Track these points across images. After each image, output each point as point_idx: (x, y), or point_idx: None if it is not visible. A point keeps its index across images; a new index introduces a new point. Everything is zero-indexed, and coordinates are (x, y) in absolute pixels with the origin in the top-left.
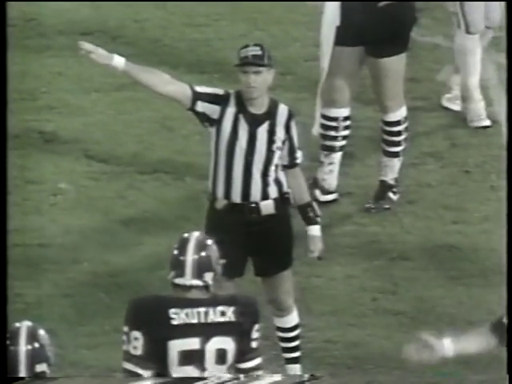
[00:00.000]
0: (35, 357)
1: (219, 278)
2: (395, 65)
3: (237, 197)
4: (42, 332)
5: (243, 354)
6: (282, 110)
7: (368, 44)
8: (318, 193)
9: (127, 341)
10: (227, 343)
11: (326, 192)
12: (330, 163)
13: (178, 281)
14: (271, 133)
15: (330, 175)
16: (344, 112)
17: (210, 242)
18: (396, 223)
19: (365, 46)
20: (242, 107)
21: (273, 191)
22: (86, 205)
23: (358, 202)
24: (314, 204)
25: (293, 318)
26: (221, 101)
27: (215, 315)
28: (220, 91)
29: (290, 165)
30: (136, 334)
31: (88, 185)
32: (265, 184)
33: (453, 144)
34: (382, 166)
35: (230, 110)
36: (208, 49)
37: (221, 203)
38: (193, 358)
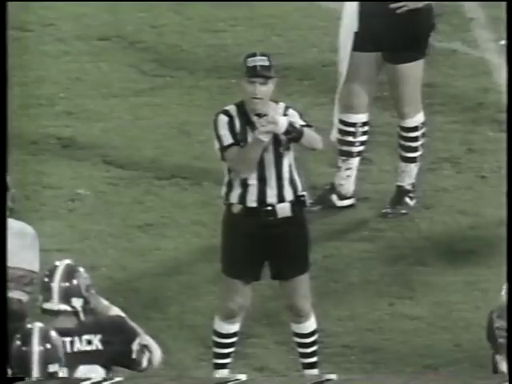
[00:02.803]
0: (48, 357)
1: (92, 306)
2: (413, 71)
3: (252, 201)
4: (53, 333)
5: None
6: (280, 111)
7: (386, 50)
8: (334, 198)
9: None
10: (95, 370)
11: (343, 197)
12: (348, 168)
13: (46, 305)
14: (275, 136)
15: (348, 180)
16: (362, 118)
17: (81, 269)
18: (413, 228)
19: (382, 51)
20: (245, 118)
21: (288, 194)
22: (103, 210)
23: (374, 207)
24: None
25: (310, 324)
26: (231, 126)
27: (81, 344)
28: (224, 119)
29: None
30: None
31: (106, 190)
32: (280, 187)
33: (469, 149)
34: (398, 171)
35: (236, 122)
36: (225, 54)
37: (236, 208)
38: None
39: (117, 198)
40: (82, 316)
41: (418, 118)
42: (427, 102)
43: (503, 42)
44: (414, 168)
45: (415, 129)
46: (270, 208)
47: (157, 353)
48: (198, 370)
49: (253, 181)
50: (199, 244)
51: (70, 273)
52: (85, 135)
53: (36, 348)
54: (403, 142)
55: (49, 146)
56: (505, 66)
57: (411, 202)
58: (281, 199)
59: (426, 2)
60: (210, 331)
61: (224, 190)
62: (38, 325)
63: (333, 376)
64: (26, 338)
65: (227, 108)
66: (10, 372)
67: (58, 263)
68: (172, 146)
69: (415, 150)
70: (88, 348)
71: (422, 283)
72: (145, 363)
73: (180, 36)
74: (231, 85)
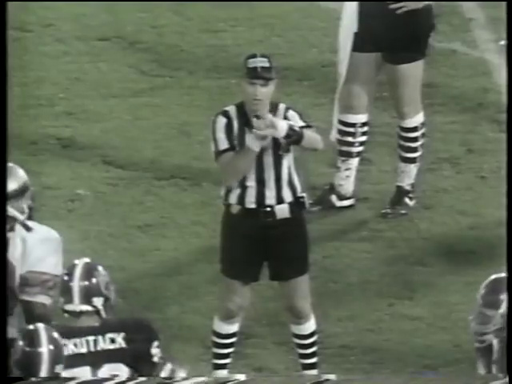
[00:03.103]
0: (55, 358)
1: (113, 303)
2: (412, 71)
3: (251, 203)
4: (56, 334)
5: (146, 373)
6: (280, 112)
7: (385, 50)
8: (334, 198)
9: None
10: (119, 369)
11: (342, 197)
12: (347, 169)
13: (68, 307)
14: (275, 139)
15: (347, 181)
16: (361, 118)
17: (99, 268)
18: (412, 229)
19: (382, 52)
20: (244, 119)
21: (287, 195)
22: (103, 211)
23: (374, 208)
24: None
25: (310, 326)
26: (228, 128)
27: (105, 343)
28: (222, 121)
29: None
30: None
31: (105, 191)
32: (278, 188)
33: (469, 150)
34: (398, 171)
35: (235, 123)
36: (225, 54)
37: (235, 209)
38: None
39: (116, 198)
40: (103, 314)
41: (417, 119)
42: (427, 102)
43: (503, 43)
44: (413, 168)
45: (415, 129)
46: (268, 209)
47: (181, 371)
48: (197, 371)
49: (251, 182)
50: (199, 244)
51: (89, 271)
52: (84, 135)
53: (45, 348)
54: (403, 143)
55: (48, 147)
56: (504, 66)
57: (411, 203)
58: (280, 200)
59: (426, 3)
60: (210, 331)
61: (223, 190)
62: (42, 325)
63: (332, 376)
64: (33, 339)
65: (227, 109)
66: (16, 373)
67: (76, 262)
68: (172, 147)
69: (415, 150)
70: (112, 346)
71: (421, 283)
72: (165, 373)
73: (180, 36)
74: (231, 85)
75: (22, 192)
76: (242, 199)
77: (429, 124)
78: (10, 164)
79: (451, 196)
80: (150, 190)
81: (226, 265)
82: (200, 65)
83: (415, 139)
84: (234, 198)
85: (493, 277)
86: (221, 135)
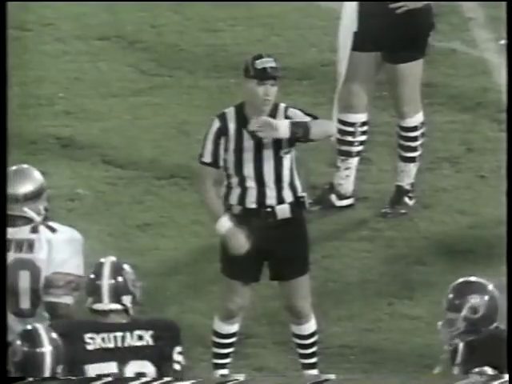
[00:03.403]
0: (57, 357)
1: (139, 300)
2: (412, 71)
3: (251, 203)
4: (55, 334)
5: (165, 376)
6: (281, 111)
7: (385, 50)
8: (334, 198)
9: None
10: (146, 367)
11: (342, 197)
12: (347, 168)
13: (97, 306)
14: (276, 139)
15: (347, 180)
16: (361, 117)
17: (126, 266)
18: (412, 228)
19: (382, 51)
20: (243, 121)
21: (288, 195)
22: (102, 210)
23: (374, 207)
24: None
25: (310, 326)
26: (221, 134)
27: (132, 339)
28: (215, 126)
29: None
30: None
31: (105, 190)
32: (279, 189)
33: (468, 149)
34: (398, 171)
35: (232, 126)
36: (224, 54)
37: (236, 209)
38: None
39: (116, 197)
40: (131, 312)
41: (417, 118)
42: (426, 101)
43: (503, 42)
44: (413, 168)
45: (414, 128)
46: (269, 209)
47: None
48: (197, 370)
49: (252, 183)
50: (198, 244)
51: (116, 270)
52: (84, 135)
53: (48, 348)
54: (402, 142)
55: (48, 146)
56: (504, 66)
57: (410, 202)
58: (280, 201)
59: (426, 2)
60: (210, 331)
61: (223, 190)
62: (41, 326)
63: (332, 376)
64: (35, 339)
65: (225, 111)
66: (17, 373)
67: (102, 260)
68: (171, 146)
69: (414, 149)
70: (139, 343)
71: (421, 283)
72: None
73: (179, 36)
74: (230, 84)
75: (38, 194)
76: (242, 200)
77: (428, 123)
78: (25, 166)
79: (451, 195)
80: (150, 189)
81: (226, 265)
82: (199, 64)
83: (415, 138)
84: (234, 198)
85: (459, 280)
86: (208, 145)
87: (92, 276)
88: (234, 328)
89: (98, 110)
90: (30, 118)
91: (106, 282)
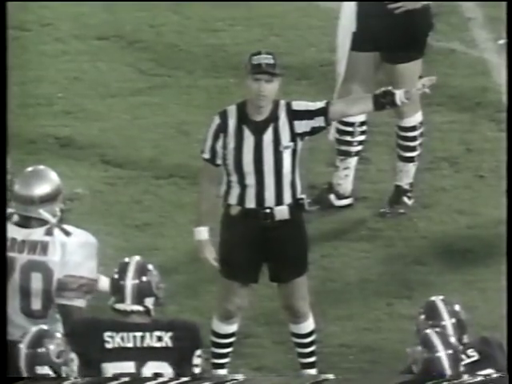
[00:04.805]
0: (59, 357)
1: (162, 302)
2: (411, 71)
3: (251, 203)
4: (58, 334)
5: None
6: (282, 107)
7: (384, 50)
8: (332, 197)
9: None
10: (163, 368)
11: (341, 197)
12: (346, 168)
13: (119, 306)
14: (276, 135)
15: (346, 180)
16: (360, 117)
17: (150, 266)
18: (411, 228)
19: (381, 51)
20: (243, 118)
21: (287, 196)
22: (101, 210)
23: (373, 207)
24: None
25: (308, 325)
26: (220, 131)
27: (151, 340)
28: (215, 123)
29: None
30: (72, 355)
31: (104, 190)
32: (279, 189)
33: (468, 149)
34: (397, 170)
35: (232, 123)
36: (224, 54)
37: (235, 209)
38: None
39: (115, 197)
40: (153, 313)
41: (416, 118)
42: (425, 101)
43: (502, 42)
44: (412, 167)
45: (413, 128)
46: (268, 210)
47: None
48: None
49: (251, 180)
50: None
51: (141, 270)
52: (83, 135)
53: (53, 349)
54: (401, 142)
55: (47, 146)
56: (503, 66)
57: (409, 202)
58: (279, 202)
59: (424, 3)
60: (208, 331)
61: (223, 190)
62: (43, 327)
63: (330, 376)
64: (37, 340)
65: (227, 108)
66: (24, 374)
67: (127, 260)
68: (170, 146)
69: (413, 149)
70: (158, 344)
71: (420, 282)
72: None
73: (178, 35)
74: (229, 84)
75: (55, 196)
76: (241, 200)
77: (427, 123)
78: (41, 167)
79: (450, 195)
80: (149, 189)
81: (225, 266)
82: (198, 64)
83: (414, 138)
84: (233, 198)
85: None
86: (208, 141)
87: (115, 276)
88: (232, 328)
89: (97, 109)
90: (29, 118)
91: (129, 283)
